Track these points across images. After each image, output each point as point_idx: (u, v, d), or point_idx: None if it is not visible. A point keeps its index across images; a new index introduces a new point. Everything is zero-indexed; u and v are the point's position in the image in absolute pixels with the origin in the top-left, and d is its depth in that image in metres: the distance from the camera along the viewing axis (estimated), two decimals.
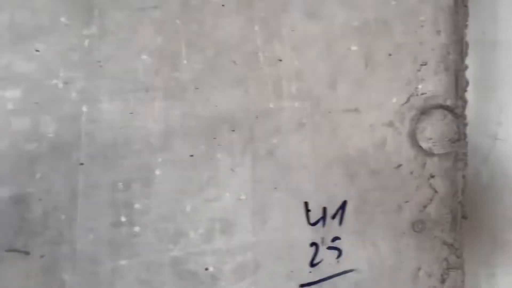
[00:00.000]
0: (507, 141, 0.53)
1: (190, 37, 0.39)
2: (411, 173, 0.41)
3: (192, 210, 0.40)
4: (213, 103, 0.39)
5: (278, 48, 0.40)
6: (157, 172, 0.39)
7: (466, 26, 0.39)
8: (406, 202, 0.41)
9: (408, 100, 0.40)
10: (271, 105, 0.40)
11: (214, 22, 0.39)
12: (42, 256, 0.36)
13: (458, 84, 0.40)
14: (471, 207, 0.56)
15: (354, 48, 0.40)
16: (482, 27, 0.55)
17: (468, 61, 0.56)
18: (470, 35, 0.55)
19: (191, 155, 0.39)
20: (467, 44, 0.39)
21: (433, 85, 0.40)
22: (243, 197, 0.40)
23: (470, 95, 0.55)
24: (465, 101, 0.39)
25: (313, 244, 0.41)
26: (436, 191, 0.40)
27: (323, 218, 0.41)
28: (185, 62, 0.40)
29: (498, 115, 0.53)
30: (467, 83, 0.40)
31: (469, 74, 0.55)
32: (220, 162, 0.40)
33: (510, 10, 0.54)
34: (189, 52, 0.40)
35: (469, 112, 0.55)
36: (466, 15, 0.38)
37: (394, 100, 0.40)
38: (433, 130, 0.40)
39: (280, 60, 0.40)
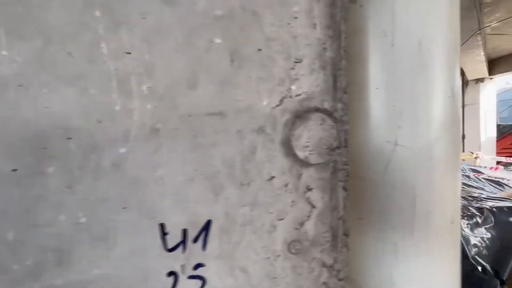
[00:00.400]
0: (407, 147, 0.51)
1: (12, 22, 0.32)
2: (286, 186, 0.37)
3: (16, 238, 0.32)
4: (42, 104, 0.33)
5: (125, 39, 0.34)
6: None
7: (344, 20, 0.35)
8: (281, 219, 0.37)
9: (281, 102, 0.36)
10: (117, 107, 0.34)
11: (44, 4, 0.32)
12: None
13: (337, 85, 0.36)
14: (368, 221, 0.53)
15: (217, 40, 0.35)
16: (382, 27, 0.52)
17: (371, 62, 0.53)
18: (371, 34, 0.53)
19: (14, 170, 0.33)
20: (346, 41, 0.36)
21: (308, 85, 0.37)
22: (82, 220, 0.34)
23: (371, 98, 0.53)
24: (345, 104, 0.36)
25: (172, 273, 0.35)
26: (313, 206, 0.37)
27: (183, 242, 0.35)
28: (5, 53, 0.33)
29: (398, 119, 0.51)
30: (347, 84, 0.36)
31: (371, 75, 0.53)
32: (52, 177, 0.33)
33: (407, 10, 0.52)
34: (11, 41, 0.33)
35: (370, 116, 0.53)
36: (343, 8, 0.35)
37: (265, 102, 0.36)
38: (310, 137, 0.36)
39: (128, 53, 0.34)
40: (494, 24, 6.14)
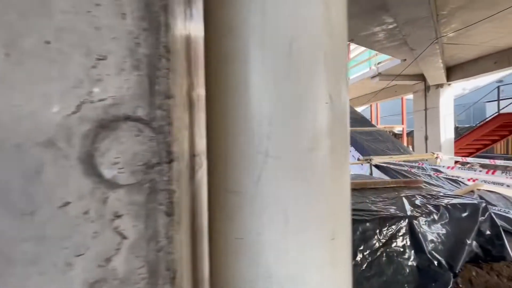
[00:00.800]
0: (278, 158, 0.43)
1: None
2: (86, 213, 0.27)
3: None
4: None
5: None
6: None
7: (165, 10, 0.27)
8: (79, 255, 0.27)
9: (78, 108, 0.27)
10: None
11: None
12: None
13: (155, 88, 0.27)
14: (245, 241, 0.44)
15: None
16: (252, 24, 0.44)
17: (240, 63, 0.45)
18: (241, 32, 0.45)
19: None
20: (168, 35, 0.27)
21: (116, 88, 0.27)
22: None
23: (241, 104, 0.45)
24: (166, 111, 0.27)
25: None
26: (124, 237, 0.27)
27: None
28: None
29: (268, 127, 0.43)
30: (169, 88, 0.27)
31: (241, 79, 0.44)
32: None
33: (277, 5, 0.44)
34: None
35: (241, 124, 0.44)
36: None
37: (55, 108, 0.26)
38: (121, 152, 0.26)
39: None
40: (450, 34, 6.46)
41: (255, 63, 0.50)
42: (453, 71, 8.71)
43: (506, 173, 3.88)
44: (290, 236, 0.49)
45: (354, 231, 2.36)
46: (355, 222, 2.37)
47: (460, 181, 5.08)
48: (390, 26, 5.74)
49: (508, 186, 3.58)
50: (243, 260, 0.50)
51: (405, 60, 7.76)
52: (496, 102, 10.88)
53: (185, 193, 0.45)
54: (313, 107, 0.50)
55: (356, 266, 2.31)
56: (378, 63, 10.06)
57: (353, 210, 2.74)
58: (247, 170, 0.50)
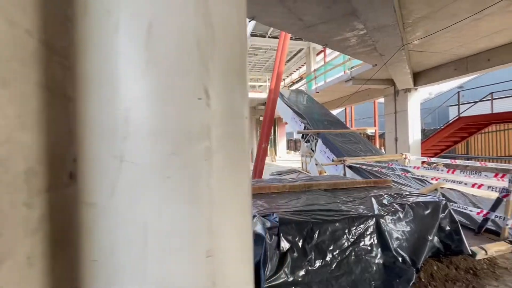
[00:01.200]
0: (136, 163, 0.33)
1: None
2: None
3: None
4: None
5: None
6: None
7: None
8: None
9: None
10: None
11: None
12: None
13: None
14: (100, 263, 0.34)
15: None
16: (106, 4, 0.34)
17: (94, 51, 0.34)
18: (97, 14, 0.34)
19: None
20: None
21: None
22: None
23: (93, 99, 0.34)
24: None
25: None
26: None
27: None
28: None
29: (123, 127, 0.32)
30: None
31: (94, 69, 0.34)
32: None
33: None
34: None
35: (93, 122, 0.33)
36: None
37: None
38: None
39: None
40: (415, 42, 6.68)
41: (111, 49, 0.41)
42: (419, 77, 9.04)
43: (465, 172, 4.01)
44: (151, 255, 0.40)
45: (324, 231, 2.31)
46: (325, 223, 2.32)
47: (425, 180, 5.23)
48: (361, 32, 5.84)
49: (466, 184, 3.69)
50: (98, 283, 0.40)
51: (375, 65, 7.96)
52: (457, 106, 11.49)
53: (22, 209, 0.36)
54: (181, 103, 0.41)
55: (325, 266, 2.26)
56: (352, 68, 10.28)
57: (324, 210, 2.69)
58: (101, 177, 0.40)
